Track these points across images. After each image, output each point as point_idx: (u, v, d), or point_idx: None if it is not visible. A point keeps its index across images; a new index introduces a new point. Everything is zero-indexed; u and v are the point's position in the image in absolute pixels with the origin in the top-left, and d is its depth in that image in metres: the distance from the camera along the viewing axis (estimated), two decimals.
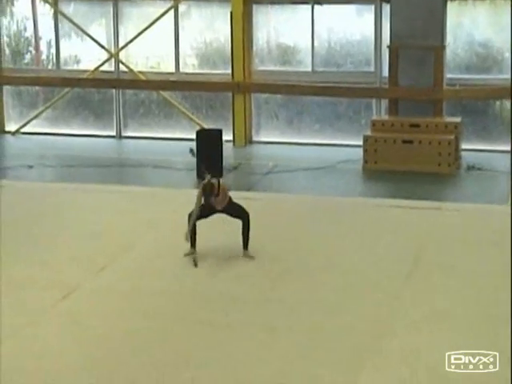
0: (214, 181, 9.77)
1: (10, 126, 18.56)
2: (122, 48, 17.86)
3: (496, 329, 7.89)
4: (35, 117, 18.45)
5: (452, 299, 8.67)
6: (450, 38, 16.26)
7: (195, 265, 9.73)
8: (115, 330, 8.14)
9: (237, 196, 12.98)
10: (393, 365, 7.33)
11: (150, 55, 18.26)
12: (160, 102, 18.06)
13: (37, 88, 18.74)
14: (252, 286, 9.22)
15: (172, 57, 17.85)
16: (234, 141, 17.23)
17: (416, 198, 12.73)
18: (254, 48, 17.42)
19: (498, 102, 16.53)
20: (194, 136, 15.38)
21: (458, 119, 15.81)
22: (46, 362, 7.50)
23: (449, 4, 16.07)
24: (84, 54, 18.50)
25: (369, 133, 15.65)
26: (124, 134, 18.21)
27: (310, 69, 17.20)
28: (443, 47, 15.90)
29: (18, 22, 18.63)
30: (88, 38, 17.97)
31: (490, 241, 10.42)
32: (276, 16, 17.51)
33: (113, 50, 17.90)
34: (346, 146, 16.75)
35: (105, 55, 17.96)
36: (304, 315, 8.42)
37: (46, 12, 18.49)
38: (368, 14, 16.88)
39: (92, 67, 17.97)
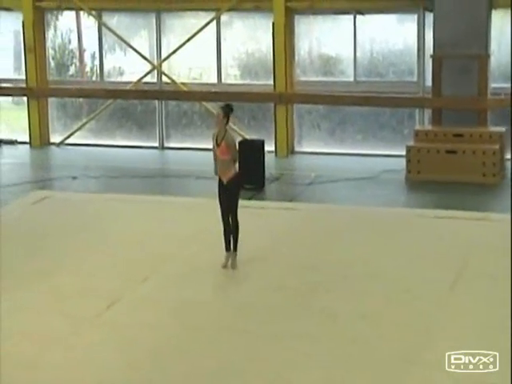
0: (220, 112, 9.71)
1: (55, 138, 18.77)
2: (165, 59, 17.99)
3: None
4: (79, 128, 18.64)
5: (496, 310, 8.55)
6: (494, 47, 16.11)
7: (225, 265, 9.81)
8: (157, 340, 8.16)
9: (279, 206, 13.09)
10: (434, 376, 7.26)
11: (192, 66, 18.37)
12: (202, 112, 18.14)
13: (81, 100, 18.94)
14: (293, 295, 9.19)
15: (214, 68, 17.93)
16: (276, 151, 17.24)
17: (460, 209, 12.61)
18: (296, 58, 17.43)
19: None
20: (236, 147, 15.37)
21: (502, 129, 15.64)
22: (89, 371, 7.54)
23: (493, 12, 15.93)
24: (127, 66, 18.68)
25: (412, 143, 15.55)
26: (166, 144, 18.32)
27: (352, 79, 17.17)
28: (487, 56, 15.75)
29: (62, 34, 18.87)
30: (131, 50, 18.13)
31: None
32: (318, 26, 17.52)
33: (155, 62, 18.04)
34: (388, 156, 16.68)
35: (148, 67, 18.09)
36: (345, 325, 8.37)
37: (90, 24, 18.71)
38: (410, 23, 16.81)
39: (135, 79, 18.12)
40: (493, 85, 16.09)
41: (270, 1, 16.87)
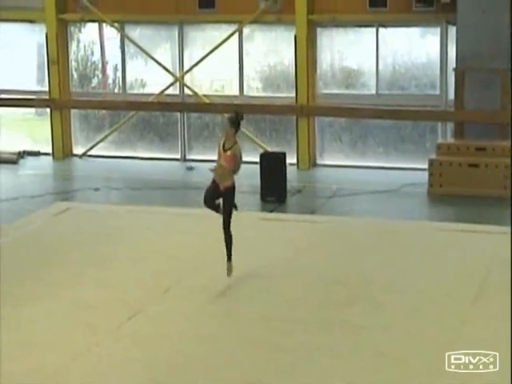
0: (232, 118, 9.49)
1: (77, 149, 18.86)
2: (187, 72, 18.05)
3: None
4: (101, 140, 18.73)
5: None
6: None
7: (229, 271, 9.76)
8: (179, 352, 8.15)
9: (301, 219, 13.07)
10: None
11: (214, 78, 18.41)
12: (224, 125, 18.13)
13: (103, 111, 19.03)
14: (316, 309, 9.17)
15: (236, 80, 17.97)
16: (297, 164, 17.24)
17: (482, 223, 12.55)
18: (318, 71, 17.45)
19: None
20: (257, 159, 15.43)
21: None
22: (110, 382, 7.55)
23: None
24: (149, 78, 18.74)
25: (434, 156, 15.51)
26: (188, 156, 18.34)
27: (374, 92, 17.15)
28: (510, 69, 15.69)
29: (85, 46, 18.98)
30: (153, 62, 18.21)
31: None
32: (340, 39, 17.52)
33: (178, 74, 18.10)
34: (410, 169, 16.63)
35: (170, 79, 18.16)
36: (369, 339, 8.34)
37: (112, 36, 18.80)
38: (433, 36, 16.79)
39: (157, 91, 18.19)
40: None
41: (292, 13, 16.91)
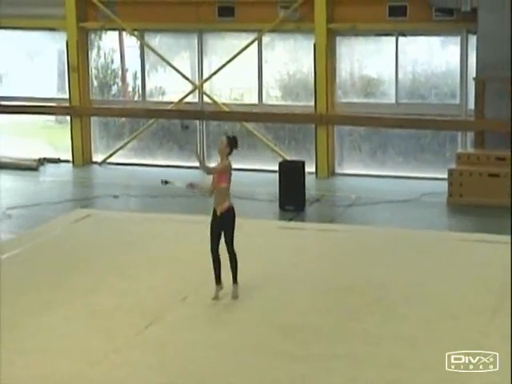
0: (224, 140, 9.40)
1: (97, 157, 18.92)
2: (206, 80, 18.08)
3: None
4: (121, 147, 18.78)
5: None
6: None
7: (216, 297, 9.57)
8: (195, 360, 8.15)
9: (319, 228, 13.05)
10: None
11: (233, 87, 18.43)
12: (243, 133, 18.16)
13: (123, 119, 19.09)
14: (333, 318, 9.14)
15: (255, 88, 17.97)
16: (316, 172, 17.21)
17: (502, 233, 12.45)
18: (337, 80, 17.42)
19: None
20: (276, 167, 15.42)
21: None
22: None
23: None
24: (169, 86, 18.79)
25: (454, 166, 15.44)
26: (207, 164, 18.28)
27: (393, 101, 17.10)
28: None
29: (105, 54, 19.06)
30: (173, 70, 18.25)
31: None
32: (359, 48, 17.49)
33: (197, 82, 18.13)
34: (430, 179, 16.55)
35: (189, 87, 18.19)
36: (386, 348, 8.30)
37: (132, 44, 18.87)
38: (453, 45, 16.73)
39: (176, 99, 18.23)
40: None
41: (312, 22, 16.90)
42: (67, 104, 18.65)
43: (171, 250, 11.62)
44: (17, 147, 19.05)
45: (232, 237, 9.63)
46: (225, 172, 9.55)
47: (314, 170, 17.14)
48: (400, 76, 17.05)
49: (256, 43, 17.64)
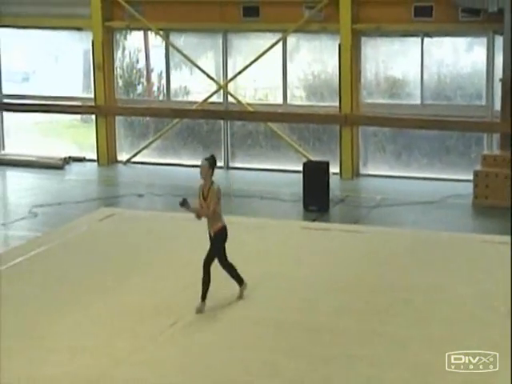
0: (205, 164, 9.30)
1: (122, 156, 18.99)
2: (231, 80, 18.10)
3: None
4: (146, 147, 18.84)
5: None
6: None
7: (199, 310, 9.37)
8: (219, 359, 8.16)
9: (344, 228, 13.01)
10: None
11: (258, 87, 18.44)
12: (267, 133, 18.18)
13: (147, 119, 19.16)
14: (356, 319, 9.12)
15: (280, 89, 17.97)
16: (340, 173, 17.17)
17: None
18: (362, 80, 17.38)
19: None
20: (300, 168, 15.40)
21: None
22: None
23: None
24: (193, 86, 18.82)
25: (479, 168, 15.36)
26: (231, 164, 18.37)
27: (419, 102, 17.04)
28: None
29: (130, 54, 19.13)
30: (197, 70, 18.28)
31: None
32: (385, 48, 17.44)
33: (221, 82, 18.15)
34: (455, 180, 16.47)
35: (213, 87, 18.22)
36: (410, 350, 8.28)
37: (157, 44, 18.93)
38: (479, 46, 16.65)
39: (201, 98, 18.25)
40: None
41: (337, 23, 16.87)
42: (92, 103, 18.75)
43: (195, 250, 11.58)
44: (42, 146, 19.19)
45: (220, 253, 9.56)
46: (213, 197, 9.43)
47: (338, 170, 17.11)
48: (425, 77, 16.98)
49: (281, 43, 17.63)
